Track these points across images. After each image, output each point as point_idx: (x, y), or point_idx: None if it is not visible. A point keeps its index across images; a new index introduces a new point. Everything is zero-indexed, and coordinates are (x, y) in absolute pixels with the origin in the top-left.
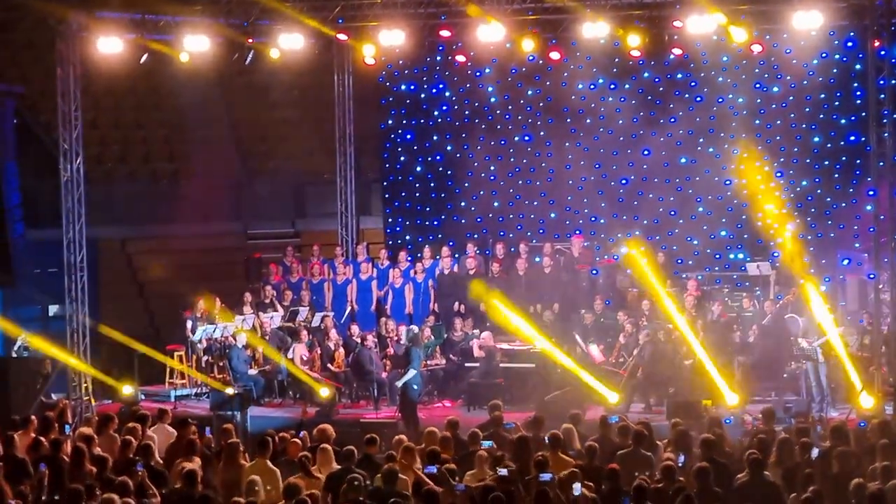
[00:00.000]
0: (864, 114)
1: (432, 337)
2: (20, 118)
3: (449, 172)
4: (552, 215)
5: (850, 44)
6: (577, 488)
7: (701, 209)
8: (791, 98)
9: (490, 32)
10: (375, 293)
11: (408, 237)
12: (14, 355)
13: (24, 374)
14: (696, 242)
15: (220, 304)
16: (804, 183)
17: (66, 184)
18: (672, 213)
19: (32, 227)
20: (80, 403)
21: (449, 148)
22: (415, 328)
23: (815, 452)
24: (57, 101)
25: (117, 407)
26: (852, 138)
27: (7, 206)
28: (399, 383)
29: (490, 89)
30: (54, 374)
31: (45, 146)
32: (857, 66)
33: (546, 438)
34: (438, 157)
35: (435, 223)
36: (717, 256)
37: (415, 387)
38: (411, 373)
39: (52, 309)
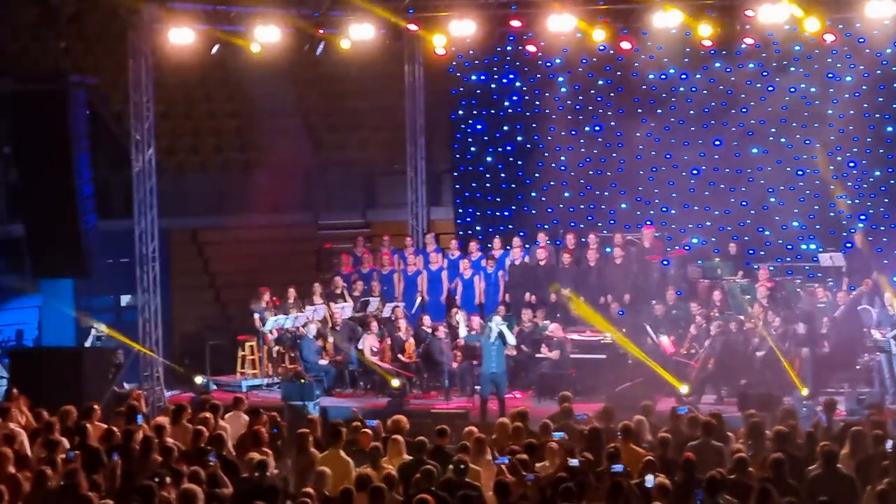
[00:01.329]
0: None
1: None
2: (92, 109)
3: (519, 163)
4: (623, 206)
5: None
6: (650, 480)
7: (773, 199)
8: (864, 87)
9: (561, 22)
10: (446, 284)
11: (478, 228)
12: (88, 345)
13: (98, 363)
14: (767, 233)
15: (294, 295)
16: (877, 173)
17: (137, 175)
18: (743, 203)
19: (104, 217)
20: (153, 393)
21: (519, 138)
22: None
23: (889, 444)
24: (129, 92)
25: (189, 397)
26: None
27: (79, 197)
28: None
29: (561, 79)
30: (126, 363)
31: (116, 137)
32: None
33: (618, 430)
34: (509, 148)
35: (505, 214)
36: (789, 247)
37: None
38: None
39: (124, 299)
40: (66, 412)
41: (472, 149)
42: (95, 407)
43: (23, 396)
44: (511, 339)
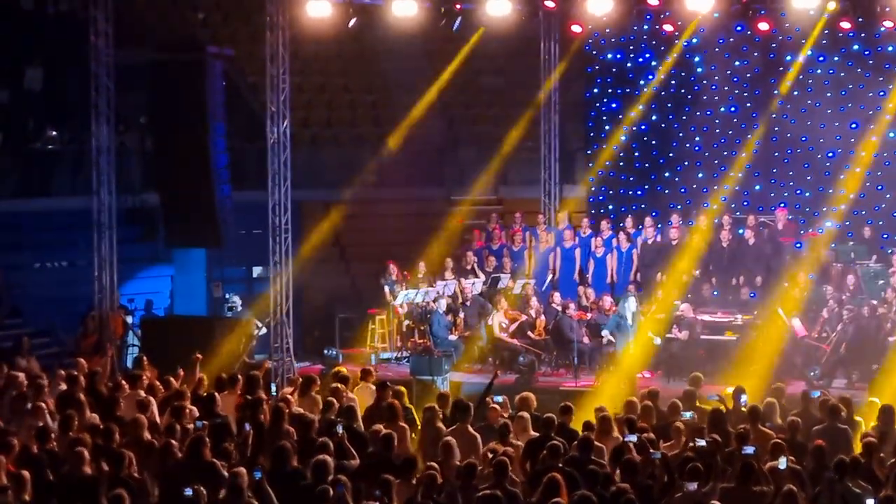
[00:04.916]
0: None
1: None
2: (228, 80)
3: (653, 142)
4: (757, 187)
5: None
6: (782, 462)
7: None
8: None
9: (698, 2)
10: (577, 261)
11: (611, 206)
12: (228, 314)
13: (229, 334)
14: None
15: (425, 270)
16: None
17: (272, 146)
18: (879, 187)
19: (238, 188)
20: (283, 365)
21: (654, 118)
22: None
23: None
24: (265, 64)
25: (319, 369)
26: None
27: (214, 167)
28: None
29: (697, 59)
30: (258, 335)
31: (252, 109)
32: None
33: (747, 411)
34: (643, 127)
35: (638, 193)
36: None
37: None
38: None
39: (256, 270)
40: (198, 381)
41: (607, 127)
42: (239, 377)
43: (152, 367)
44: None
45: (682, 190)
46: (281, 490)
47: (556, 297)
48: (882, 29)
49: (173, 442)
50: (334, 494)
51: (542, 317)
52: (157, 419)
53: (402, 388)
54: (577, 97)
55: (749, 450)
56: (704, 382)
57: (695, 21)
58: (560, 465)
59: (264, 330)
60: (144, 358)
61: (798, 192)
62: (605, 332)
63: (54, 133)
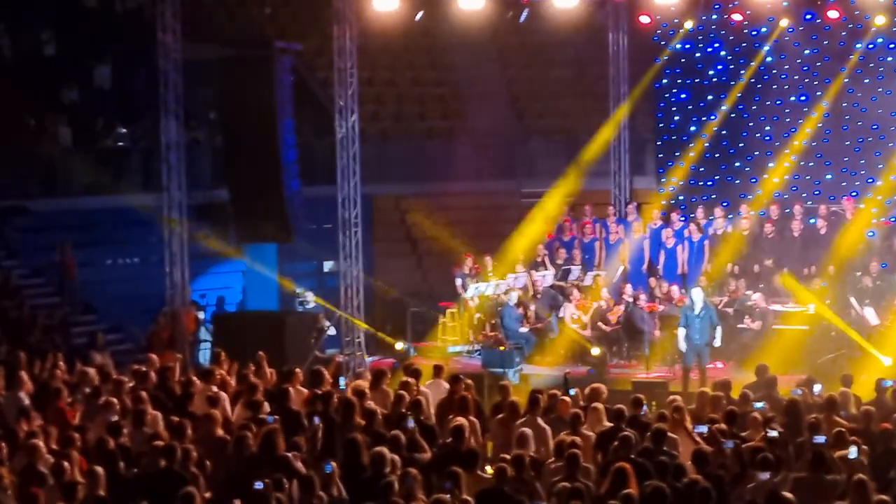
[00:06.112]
0: None
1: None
2: (297, 75)
3: (723, 132)
4: (828, 176)
5: None
6: (853, 451)
7: None
8: None
9: None
10: (647, 253)
11: (681, 197)
12: (299, 308)
13: (300, 328)
14: None
15: (492, 263)
16: None
17: (341, 141)
18: None
19: (308, 183)
20: (354, 359)
21: (724, 108)
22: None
23: None
24: (333, 59)
25: (390, 363)
26: None
27: (284, 162)
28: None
29: (766, 49)
30: (329, 329)
31: (321, 103)
32: None
33: (823, 401)
34: (713, 117)
35: (709, 183)
36: None
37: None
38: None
39: (327, 265)
40: (269, 376)
41: (676, 118)
42: (298, 371)
43: (231, 362)
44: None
45: (753, 180)
46: (352, 483)
47: (628, 288)
48: None
49: (248, 435)
50: (403, 487)
51: (618, 306)
52: (229, 414)
53: (470, 381)
54: (646, 88)
55: (820, 439)
56: (776, 373)
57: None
58: (632, 456)
59: (333, 330)
60: (222, 353)
61: (869, 180)
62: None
63: (124, 130)
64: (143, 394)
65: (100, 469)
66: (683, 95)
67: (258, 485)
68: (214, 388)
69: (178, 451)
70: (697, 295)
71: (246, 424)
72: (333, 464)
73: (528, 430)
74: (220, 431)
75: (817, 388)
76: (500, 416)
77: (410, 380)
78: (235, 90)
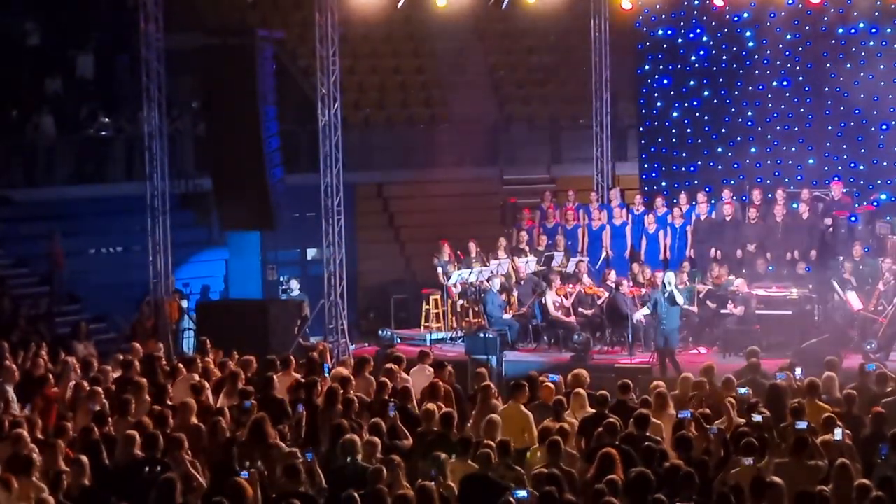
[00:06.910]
0: None
1: (688, 283)
2: (279, 64)
3: (706, 118)
4: (810, 161)
5: None
6: (838, 433)
7: None
8: None
9: None
10: (630, 239)
11: (663, 183)
12: (283, 297)
13: (284, 316)
14: None
15: (477, 249)
16: None
17: (323, 129)
18: None
19: (291, 171)
20: (337, 346)
21: (706, 93)
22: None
23: None
24: (315, 47)
25: (374, 350)
26: None
27: (266, 150)
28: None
29: (748, 34)
30: (312, 316)
31: (303, 91)
32: None
33: (805, 385)
34: (695, 103)
35: (691, 169)
36: None
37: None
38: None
39: (310, 253)
40: (248, 363)
41: (658, 104)
42: (293, 359)
43: (216, 350)
44: (679, 298)
45: (735, 165)
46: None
47: (612, 274)
48: None
49: (220, 420)
50: (388, 474)
51: (601, 289)
52: (212, 402)
53: (451, 369)
54: (628, 74)
55: (802, 424)
56: (760, 357)
57: None
58: (616, 442)
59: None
60: (207, 341)
61: (851, 165)
62: (636, 315)
63: (107, 119)
64: (128, 382)
65: (84, 458)
66: (665, 81)
67: (243, 474)
68: (197, 377)
69: (160, 440)
70: (669, 278)
71: (220, 410)
72: (312, 453)
73: (496, 417)
74: (194, 420)
75: (799, 372)
76: (481, 402)
77: (393, 367)
78: (218, 79)
